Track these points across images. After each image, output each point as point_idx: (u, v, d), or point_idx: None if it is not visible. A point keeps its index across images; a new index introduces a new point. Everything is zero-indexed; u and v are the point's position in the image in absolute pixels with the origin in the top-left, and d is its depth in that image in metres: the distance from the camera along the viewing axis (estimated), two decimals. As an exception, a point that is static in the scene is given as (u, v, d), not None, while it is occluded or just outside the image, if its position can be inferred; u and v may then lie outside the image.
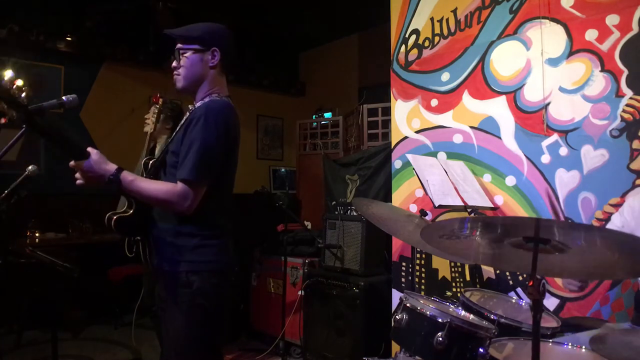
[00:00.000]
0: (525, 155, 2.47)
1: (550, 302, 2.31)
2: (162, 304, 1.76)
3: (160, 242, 1.72)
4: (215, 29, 1.78)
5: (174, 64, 1.77)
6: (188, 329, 1.64)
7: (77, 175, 1.60)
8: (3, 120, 1.38)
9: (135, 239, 1.82)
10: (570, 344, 1.56)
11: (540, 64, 2.43)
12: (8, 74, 1.31)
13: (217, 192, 1.68)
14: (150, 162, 1.84)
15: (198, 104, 1.74)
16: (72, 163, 1.58)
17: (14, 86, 1.33)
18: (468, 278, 2.60)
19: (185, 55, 1.73)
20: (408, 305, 1.68)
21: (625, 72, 2.17)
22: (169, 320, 1.70)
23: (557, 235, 1.12)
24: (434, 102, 2.86)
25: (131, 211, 1.76)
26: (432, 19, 2.88)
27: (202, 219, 1.66)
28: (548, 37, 2.41)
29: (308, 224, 4.17)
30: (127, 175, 1.62)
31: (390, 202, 3.04)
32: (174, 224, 1.68)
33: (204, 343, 1.68)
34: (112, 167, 1.61)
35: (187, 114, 1.75)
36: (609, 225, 1.94)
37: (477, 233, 1.25)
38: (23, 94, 1.37)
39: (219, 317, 1.72)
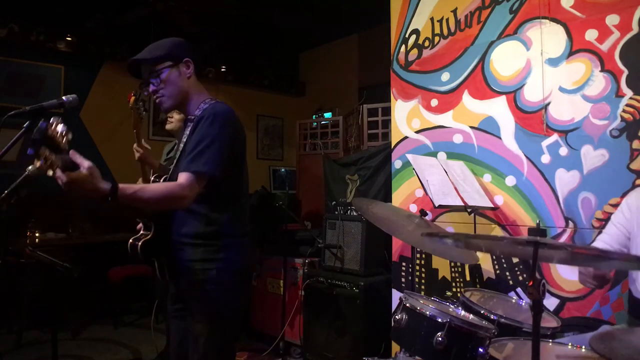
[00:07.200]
0: (525, 155, 2.47)
1: (550, 302, 2.30)
2: (180, 305, 1.77)
3: (181, 244, 1.70)
4: (178, 41, 1.78)
5: (152, 87, 1.73)
6: (209, 328, 1.65)
7: (62, 183, 1.36)
8: (38, 164, 1.35)
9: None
10: (570, 344, 1.56)
11: (540, 64, 2.43)
12: (53, 120, 1.27)
13: (238, 193, 1.69)
14: (170, 167, 1.79)
15: (205, 106, 1.73)
16: (58, 173, 1.34)
17: (56, 132, 1.29)
18: (468, 278, 2.60)
19: (161, 75, 1.71)
20: (408, 305, 1.69)
21: (625, 72, 2.17)
22: (189, 320, 1.70)
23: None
24: (434, 102, 2.86)
25: (151, 233, 1.70)
26: (432, 19, 2.88)
27: (224, 220, 1.66)
28: (548, 37, 2.41)
29: (308, 224, 4.17)
30: (125, 190, 1.46)
31: (390, 202, 3.04)
32: (195, 226, 1.67)
33: (223, 342, 1.69)
34: (106, 185, 1.41)
35: (193, 118, 1.74)
36: (609, 224, 1.91)
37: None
38: (64, 140, 1.32)
39: (237, 316, 1.74)
